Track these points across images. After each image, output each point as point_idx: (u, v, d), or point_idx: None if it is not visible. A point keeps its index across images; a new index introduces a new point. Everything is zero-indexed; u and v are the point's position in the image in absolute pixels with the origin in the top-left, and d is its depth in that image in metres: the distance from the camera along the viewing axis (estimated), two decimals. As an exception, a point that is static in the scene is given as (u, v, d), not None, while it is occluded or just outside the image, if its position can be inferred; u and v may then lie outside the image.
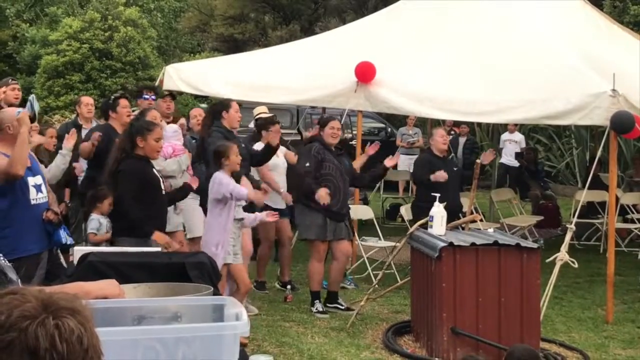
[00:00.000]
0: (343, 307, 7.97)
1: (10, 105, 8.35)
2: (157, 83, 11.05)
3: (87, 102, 9.49)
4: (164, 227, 6.63)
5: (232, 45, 29.03)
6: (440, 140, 8.96)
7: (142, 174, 6.34)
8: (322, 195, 7.60)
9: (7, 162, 5.44)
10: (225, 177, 6.76)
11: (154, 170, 6.52)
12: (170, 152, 7.64)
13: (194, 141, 8.41)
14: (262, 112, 9.25)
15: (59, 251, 6.11)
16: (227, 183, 6.70)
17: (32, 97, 5.95)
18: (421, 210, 7.98)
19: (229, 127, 7.78)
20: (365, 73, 8.90)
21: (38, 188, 5.77)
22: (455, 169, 8.63)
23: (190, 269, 3.92)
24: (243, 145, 7.69)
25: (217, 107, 8.07)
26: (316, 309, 7.91)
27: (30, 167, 5.77)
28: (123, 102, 8.14)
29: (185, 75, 10.53)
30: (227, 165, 6.80)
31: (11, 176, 5.49)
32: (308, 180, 7.80)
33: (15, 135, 5.56)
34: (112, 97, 8.16)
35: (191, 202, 7.78)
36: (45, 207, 5.89)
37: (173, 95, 9.49)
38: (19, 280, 2.71)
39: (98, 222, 7.25)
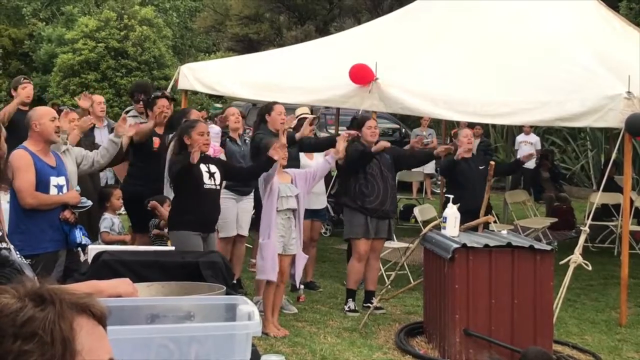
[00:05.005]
0: (373, 306, 7.78)
1: (24, 104, 8.36)
2: (172, 82, 11.10)
3: (100, 101, 9.54)
4: None
5: (247, 45, 29.13)
6: (464, 140, 8.98)
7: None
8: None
9: (27, 191, 5.63)
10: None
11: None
12: (212, 154, 7.60)
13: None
14: (304, 112, 9.28)
15: (80, 249, 6.14)
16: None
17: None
18: None
19: (273, 129, 7.98)
20: (360, 76, 8.87)
21: (60, 189, 5.84)
22: (480, 167, 8.62)
23: (203, 268, 3.93)
24: None
25: (262, 110, 8.31)
26: (348, 307, 7.99)
27: (54, 167, 5.83)
28: (161, 101, 8.21)
29: (200, 75, 10.55)
30: None
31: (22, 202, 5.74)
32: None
33: (40, 132, 5.73)
34: (153, 96, 8.21)
35: (223, 200, 7.76)
36: (66, 207, 5.94)
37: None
38: (36, 277, 2.75)
39: (111, 221, 7.28)
